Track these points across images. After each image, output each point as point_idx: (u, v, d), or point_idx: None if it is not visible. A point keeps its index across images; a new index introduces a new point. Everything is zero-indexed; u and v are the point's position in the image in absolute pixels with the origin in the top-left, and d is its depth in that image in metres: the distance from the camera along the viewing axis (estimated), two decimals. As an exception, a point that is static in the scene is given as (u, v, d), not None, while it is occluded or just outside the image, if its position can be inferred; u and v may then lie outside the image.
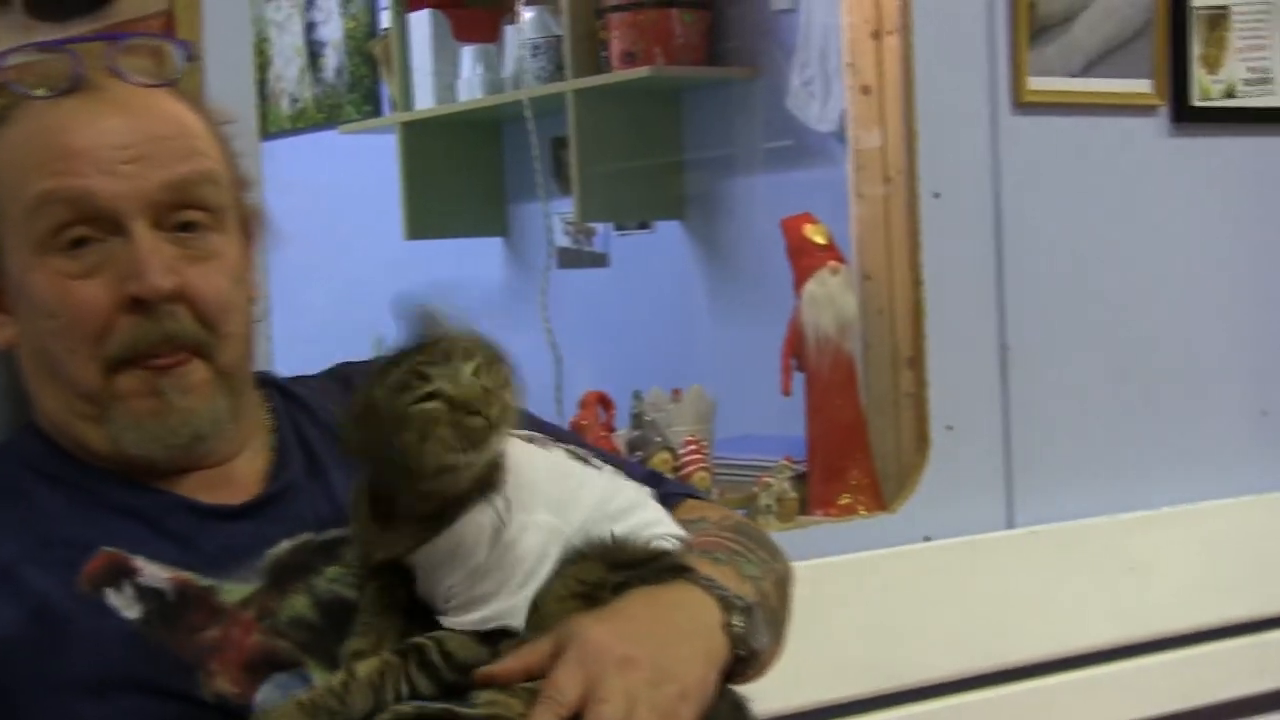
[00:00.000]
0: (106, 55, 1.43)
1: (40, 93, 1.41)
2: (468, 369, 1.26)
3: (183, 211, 1.39)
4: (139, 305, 1.36)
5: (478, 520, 1.28)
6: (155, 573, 1.34)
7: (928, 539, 2.35)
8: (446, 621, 1.30)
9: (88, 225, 1.36)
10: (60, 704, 1.28)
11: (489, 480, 1.30)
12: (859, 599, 2.26)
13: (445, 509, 1.29)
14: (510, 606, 1.30)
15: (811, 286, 2.41)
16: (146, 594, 1.33)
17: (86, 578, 1.33)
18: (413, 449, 1.25)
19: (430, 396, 1.25)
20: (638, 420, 2.41)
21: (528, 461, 1.35)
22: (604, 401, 2.38)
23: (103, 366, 1.37)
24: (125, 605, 1.32)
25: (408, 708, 1.24)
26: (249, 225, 1.50)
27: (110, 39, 1.47)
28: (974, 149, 2.39)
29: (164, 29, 1.66)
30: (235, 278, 1.43)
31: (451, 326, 1.31)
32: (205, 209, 1.41)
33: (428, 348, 1.28)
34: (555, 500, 1.34)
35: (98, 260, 1.36)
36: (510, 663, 1.28)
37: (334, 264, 4.27)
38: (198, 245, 1.40)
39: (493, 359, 1.29)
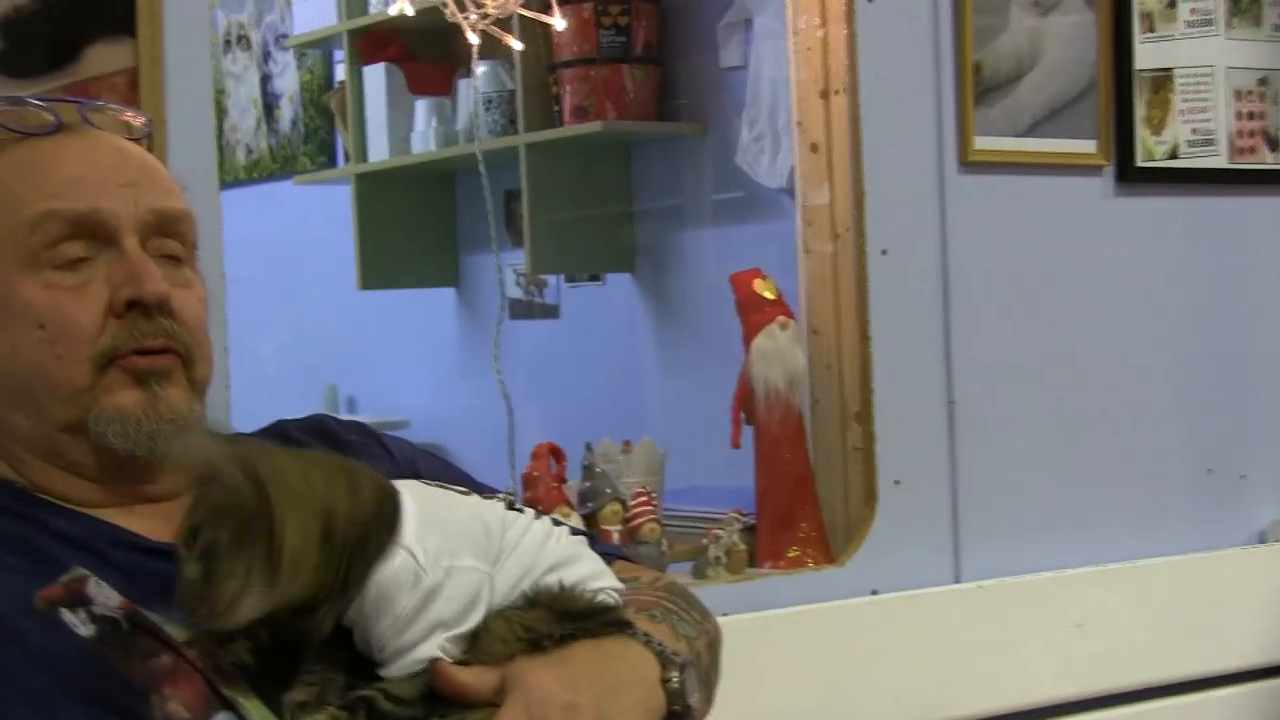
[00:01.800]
0: (80, 111, 1.49)
1: (26, 129, 1.46)
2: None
3: (165, 241, 1.45)
4: (133, 308, 1.40)
5: (393, 568, 1.30)
6: (107, 601, 1.34)
7: (875, 592, 2.37)
8: (383, 672, 1.31)
9: (83, 240, 1.41)
10: (3, 716, 1.28)
11: (383, 531, 1.32)
12: (807, 651, 2.28)
13: (349, 568, 1.31)
14: (439, 649, 1.31)
15: (761, 341, 2.42)
16: (100, 620, 1.33)
17: (44, 599, 1.33)
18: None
19: None
20: (589, 472, 2.41)
21: (453, 511, 1.38)
22: (555, 453, 2.38)
23: (93, 366, 1.40)
24: (80, 623, 1.32)
25: None
26: None
27: (80, 102, 1.52)
28: (921, 207, 2.43)
29: (129, 86, 1.70)
30: (206, 310, 1.48)
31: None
32: (183, 243, 1.47)
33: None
34: (483, 547, 1.36)
35: (89, 277, 1.41)
36: (463, 671, 1.31)
37: (288, 313, 4.27)
38: (177, 274, 1.45)
39: None
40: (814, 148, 2.45)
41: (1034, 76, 2.50)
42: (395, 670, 1.31)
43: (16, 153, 1.45)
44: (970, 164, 2.44)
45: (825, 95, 2.43)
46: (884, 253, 2.39)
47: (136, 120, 1.55)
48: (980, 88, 2.43)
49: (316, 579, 1.30)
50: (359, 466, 1.38)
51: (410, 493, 1.36)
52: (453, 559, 1.32)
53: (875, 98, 2.38)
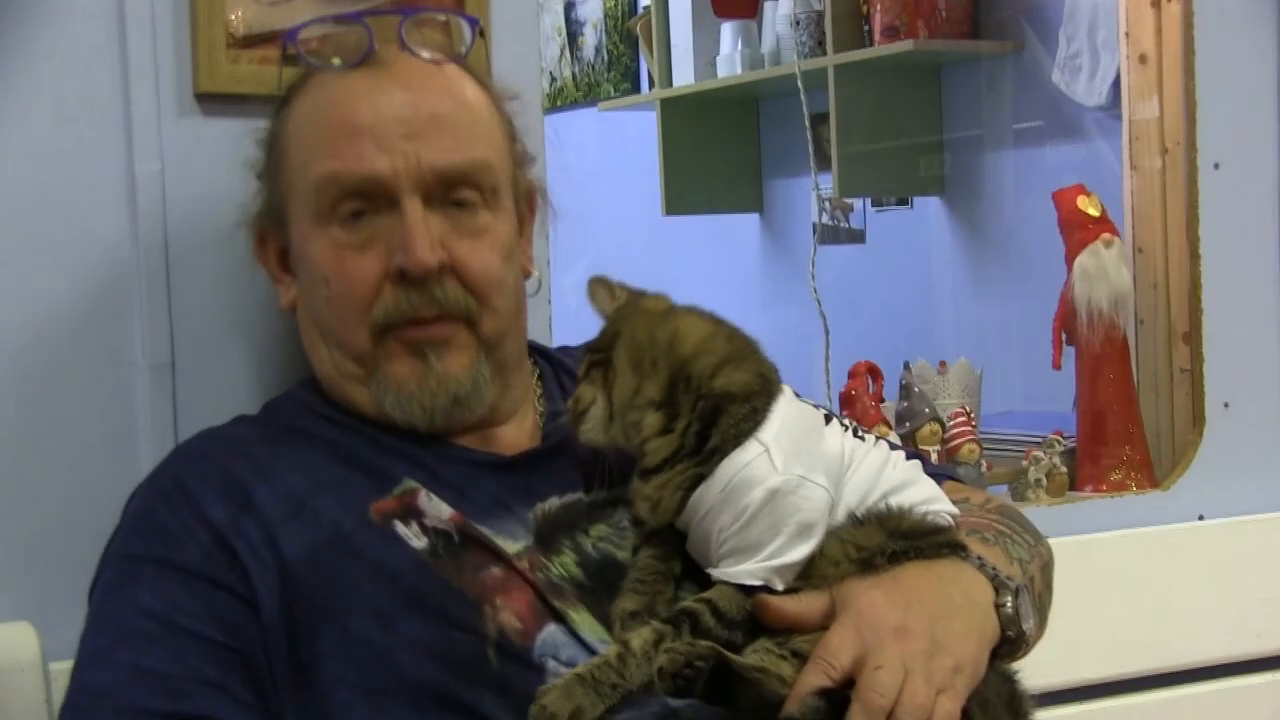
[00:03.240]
0: (400, 28, 1.48)
1: (335, 63, 1.48)
2: None
3: (456, 189, 1.44)
4: (405, 277, 1.41)
5: (746, 457, 1.31)
6: (438, 514, 1.38)
7: (1201, 518, 2.31)
8: (715, 573, 1.32)
9: (364, 200, 1.42)
10: (346, 626, 1.33)
11: (743, 415, 1.34)
12: (1130, 576, 2.23)
13: (696, 435, 1.34)
14: (781, 565, 1.31)
15: (1084, 259, 2.37)
16: (432, 532, 1.37)
17: (378, 512, 1.38)
18: None
19: None
20: (906, 391, 2.39)
21: (816, 429, 1.38)
22: (873, 372, 2.38)
23: (370, 332, 1.43)
24: (413, 536, 1.37)
25: (680, 646, 1.26)
26: (528, 201, 1.55)
27: (403, 13, 1.51)
28: (1257, 118, 2.34)
29: (455, 2, 1.70)
30: (505, 254, 1.47)
31: None
32: (480, 189, 1.45)
33: None
34: (836, 471, 1.36)
35: (371, 234, 1.42)
36: (789, 602, 1.30)
37: (592, 240, 4.32)
38: (468, 221, 1.44)
39: None
40: (1143, 59, 2.38)
41: (1384, -21, 2.37)
42: (728, 572, 1.32)
43: (315, 92, 1.47)
44: (1312, 73, 2.34)
45: (1156, 4, 2.35)
46: (1216, 166, 2.30)
47: (460, 28, 1.54)
48: (1326, -9, 2.32)
49: (652, 429, 1.36)
50: (755, 354, 1.40)
51: (787, 399, 1.38)
52: (807, 471, 1.33)
53: (1210, 4, 2.29)
